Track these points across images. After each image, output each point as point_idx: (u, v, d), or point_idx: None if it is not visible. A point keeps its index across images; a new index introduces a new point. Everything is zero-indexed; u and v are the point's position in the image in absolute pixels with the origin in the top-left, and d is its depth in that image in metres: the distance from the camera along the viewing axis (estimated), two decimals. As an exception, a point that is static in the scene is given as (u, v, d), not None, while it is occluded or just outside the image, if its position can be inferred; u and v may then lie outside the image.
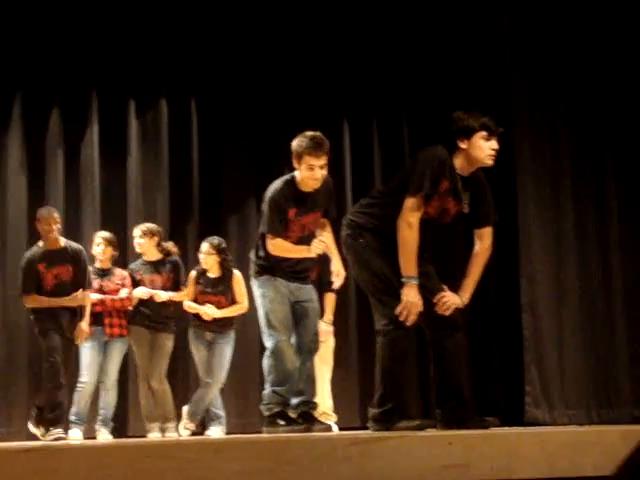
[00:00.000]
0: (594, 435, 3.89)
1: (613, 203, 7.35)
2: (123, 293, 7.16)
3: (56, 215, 6.71)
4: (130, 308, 7.18)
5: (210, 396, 7.15)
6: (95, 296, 7.00)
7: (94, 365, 7.04)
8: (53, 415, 6.47)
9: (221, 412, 7.25)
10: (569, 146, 7.43)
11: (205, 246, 7.20)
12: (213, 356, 7.15)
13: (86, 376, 7.02)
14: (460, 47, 8.31)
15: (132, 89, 8.16)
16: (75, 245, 6.83)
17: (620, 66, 7.38)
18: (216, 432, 7.11)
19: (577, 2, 7.43)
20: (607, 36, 7.39)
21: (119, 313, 7.14)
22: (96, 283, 7.09)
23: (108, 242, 7.24)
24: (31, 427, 6.78)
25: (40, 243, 6.71)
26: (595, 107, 7.44)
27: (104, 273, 7.22)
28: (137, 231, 7.31)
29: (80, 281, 6.71)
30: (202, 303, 7.19)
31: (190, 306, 7.22)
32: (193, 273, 7.31)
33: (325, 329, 6.52)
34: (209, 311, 7.13)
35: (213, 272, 7.24)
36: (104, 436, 7.00)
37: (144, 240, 7.25)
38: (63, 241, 6.76)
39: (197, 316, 7.21)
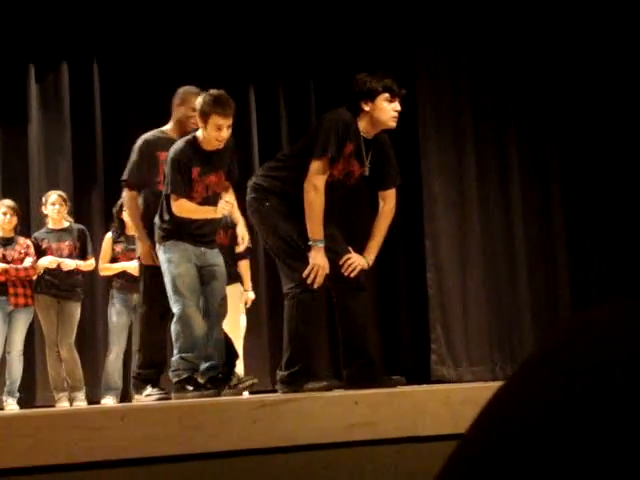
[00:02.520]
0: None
1: (514, 165, 7.52)
2: (27, 262, 7.03)
3: None
4: (34, 277, 7.07)
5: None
6: None
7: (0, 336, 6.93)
8: None
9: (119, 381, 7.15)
10: (471, 109, 7.54)
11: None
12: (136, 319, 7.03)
13: None
14: (363, 9, 8.31)
15: (31, 53, 7.97)
16: None
17: (523, 26, 7.51)
18: (110, 401, 7.01)
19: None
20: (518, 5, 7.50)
21: (23, 282, 7.02)
22: (0, 252, 6.96)
23: (14, 211, 7.10)
24: None
25: None
26: (498, 75, 7.56)
27: (7, 242, 7.08)
28: (54, 197, 7.15)
29: None
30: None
31: (109, 267, 7.05)
32: (108, 235, 7.15)
33: (250, 297, 6.58)
34: (132, 265, 6.91)
35: (131, 229, 7.07)
36: (11, 407, 6.90)
37: (61, 207, 7.12)
38: None
39: (119, 275, 7.03)
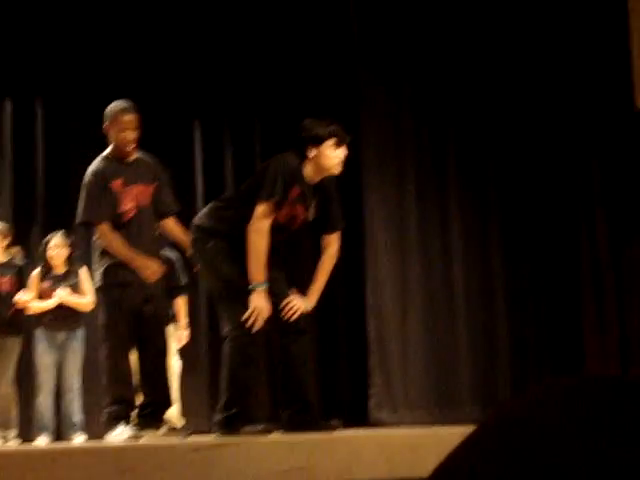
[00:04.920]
0: (434, 436, 4.00)
1: (455, 210, 7.60)
2: None
3: None
4: None
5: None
6: None
7: None
8: None
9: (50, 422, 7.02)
10: (414, 152, 7.62)
11: (57, 239, 6.97)
12: (65, 357, 6.95)
13: None
14: (310, 53, 8.38)
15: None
16: None
17: (465, 68, 7.65)
18: (43, 441, 6.89)
19: (422, 10, 7.65)
20: (450, 37, 7.65)
21: None
22: None
23: None
24: None
25: None
26: (441, 116, 7.67)
27: None
28: None
29: None
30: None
31: (38, 306, 6.96)
32: (36, 272, 7.07)
33: (184, 334, 6.57)
34: (62, 293, 6.86)
35: (60, 269, 7.02)
36: None
37: (0, 240, 7.03)
38: None
39: (46, 313, 6.95)
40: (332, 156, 4.48)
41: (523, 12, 7.77)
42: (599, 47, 7.64)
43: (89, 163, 5.20)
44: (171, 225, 5.19)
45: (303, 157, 4.49)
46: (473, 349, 7.48)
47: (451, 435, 3.95)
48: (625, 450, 0.64)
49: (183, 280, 6.90)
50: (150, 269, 4.90)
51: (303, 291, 4.63)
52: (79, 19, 8.05)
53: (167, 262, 5.75)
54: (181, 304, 6.63)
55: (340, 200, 4.72)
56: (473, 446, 0.69)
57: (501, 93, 7.82)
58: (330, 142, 4.48)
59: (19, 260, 7.17)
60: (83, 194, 4.96)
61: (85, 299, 6.96)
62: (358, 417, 7.09)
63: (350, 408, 7.70)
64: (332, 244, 4.68)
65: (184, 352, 7.12)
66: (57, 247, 6.97)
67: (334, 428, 4.47)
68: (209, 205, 4.78)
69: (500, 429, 0.68)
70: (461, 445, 0.71)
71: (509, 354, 7.64)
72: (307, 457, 3.54)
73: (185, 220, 5.26)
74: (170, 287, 6.16)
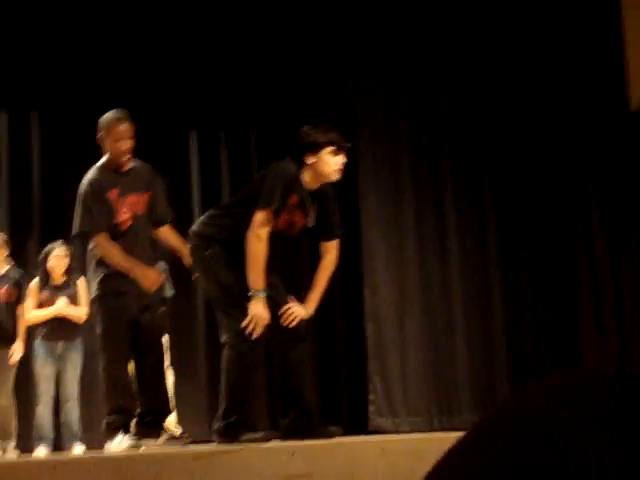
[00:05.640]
0: (434, 442, 4.00)
1: (452, 217, 7.60)
2: None
3: None
4: None
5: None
6: None
7: None
8: None
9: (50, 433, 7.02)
10: (410, 159, 7.63)
11: (59, 249, 6.98)
12: (64, 368, 6.95)
13: None
14: (305, 62, 8.39)
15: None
16: None
17: (460, 73, 7.66)
18: (42, 451, 6.88)
19: (416, 14, 7.67)
20: (444, 41, 7.66)
21: None
22: None
23: None
24: None
25: None
26: (436, 123, 7.68)
27: None
28: None
29: None
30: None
31: (38, 315, 6.96)
32: (34, 282, 7.06)
33: None
34: (61, 303, 6.88)
35: (59, 279, 7.03)
36: None
37: (1, 249, 7.03)
38: None
39: (45, 324, 6.95)
40: (330, 163, 4.49)
41: (517, 14, 7.80)
42: (593, 48, 7.66)
43: (85, 173, 5.20)
44: (167, 234, 5.19)
45: (301, 164, 4.50)
46: (471, 355, 7.48)
47: (452, 440, 3.95)
48: (629, 446, 0.64)
49: (169, 292, 6.90)
50: (149, 278, 4.90)
51: (302, 298, 4.63)
52: (74, 30, 8.05)
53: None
54: None
55: (339, 207, 4.72)
56: (471, 443, 0.69)
57: (496, 97, 7.83)
58: (329, 149, 4.48)
59: (15, 271, 7.17)
60: (79, 205, 4.95)
61: (81, 310, 6.97)
62: (357, 423, 7.09)
63: (349, 415, 7.71)
64: (331, 251, 4.68)
65: (182, 360, 7.11)
66: (58, 257, 6.98)
67: (334, 435, 4.47)
68: (207, 212, 4.78)
69: (499, 425, 0.68)
70: (460, 442, 0.71)
71: (507, 359, 7.64)
72: (308, 464, 3.53)
73: (181, 228, 5.27)
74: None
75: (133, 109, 7.35)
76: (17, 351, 6.96)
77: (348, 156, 4.61)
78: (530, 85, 7.80)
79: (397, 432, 6.85)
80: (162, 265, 6.45)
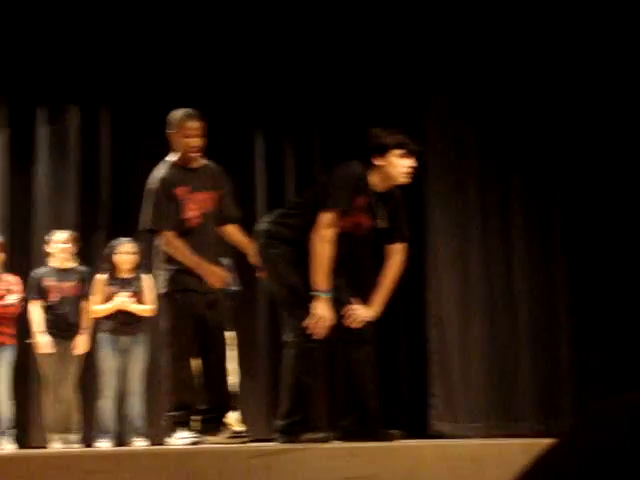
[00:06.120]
0: (495, 448, 3.96)
1: (518, 220, 7.53)
2: (10, 299, 6.98)
3: None
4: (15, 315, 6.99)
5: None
6: None
7: None
8: None
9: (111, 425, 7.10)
10: (477, 162, 7.58)
11: (128, 245, 7.07)
12: (129, 362, 7.03)
13: None
14: (373, 63, 8.38)
15: (42, 96, 8.03)
16: None
17: (531, 79, 7.59)
18: (104, 445, 6.96)
19: (492, 16, 7.61)
20: (517, 51, 7.59)
21: (6, 321, 6.96)
22: None
23: (0, 246, 7.08)
24: None
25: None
26: (501, 122, 7.62)
27: None
28: (63, 236, 7.16)
29: None
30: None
31: (100, 309, 7.05)
32: (100, 276, 7.14)
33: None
34: (120, 299, 6.96)
35: (126, 274, 7.11)
36: (7, 447, 6.83)
37: (69, 245, 7.14)
38: None
39: (111, 318, 7.04)
40: (399, 165, 4.47)
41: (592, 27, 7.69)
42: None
43: (153, 170, 5.24)
44: (233, 232, 5.22)
45: (369, 166, 4.48)
46: (535, 362, 7.40)
47: (514, 447, 3.92)
48: None
49: (235, 288, 6.93)
50: (215, 275, 4.94)
51: (366, 300, 4.61)
52: (146, 26, 8.15)
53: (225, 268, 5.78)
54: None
55: (406, 210, 4.70)
56: (565, 446, 0.69)
57: (568, 104, 7.74)
58: (398, 152, 4.46)
59: (81, 267, 7.27)
60: (147, 201, 4.99)
61: (146, 306, 7.04)
62: (417, 427, 7.06)
63: (410, 418, 7.67)
64: (397, 254, 4.66)
65: (244, 359, 7.14)
66: (127, 253, 7.06)
67: (394, 438, 4.45)
68: (275, 211, 4.78)
69: (592, 429, 0.68)
70: (552, 446, 0.71)
71: (571, 368, 7.54)
72: (368, 466, 3.53)
73: (247, 227, 5.29)
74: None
75: (201, 107, 7.47)
76: (81, 345, 7.06)
77: (417, 160, 4.58)
78: (605, 97, 7.69)
79: (457, 437, 6.80)
80: (228, 261, 6.50)
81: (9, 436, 6.95)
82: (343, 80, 8.43)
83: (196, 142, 5.00)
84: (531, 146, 7.71)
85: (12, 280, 7.07)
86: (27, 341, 7.05)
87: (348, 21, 8.30)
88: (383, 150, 4.45)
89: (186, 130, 5.00)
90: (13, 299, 6.97)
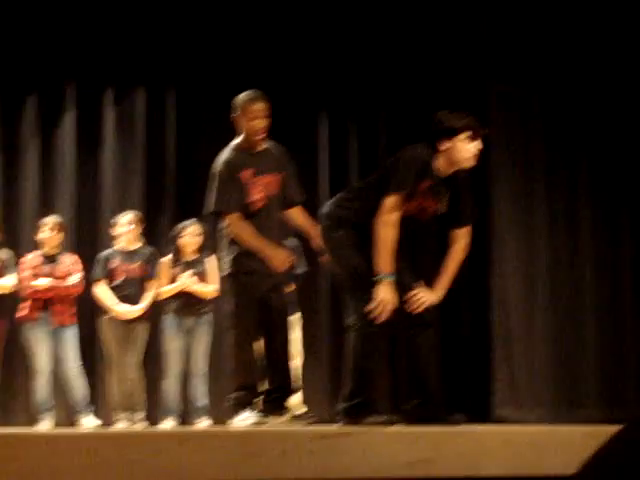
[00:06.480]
0: (559, 434, 3.92)
1: (586, 209, 7.43)
2: (73, 279, 7.07)
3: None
4: (76, 295, 7.08)
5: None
6: (43, 281, 6.94)
7: (45, 355, 6.98)
8: None
9: (175, 405, 7.18)
10: (543, 146, 7.48)
11: (193, 227, 7.13)
12: (193, 343, 7.10)
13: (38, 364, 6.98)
14: (439, 46, 8.31)
15: (109, 78, 8.12)
16: None
17: (594, 70, 7.46)
18: (169, 424, 7.05)
19: (553, 8, 7.48)
20: (581, 42, 7.46)
21: (69, 300, 7.05)
22: (47, 269, 7.02)
23: (60, 227, 7.17)
24: None
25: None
26: (569, 107, 7.51)
27: (53, 259, 7.13)
28: (130, 216, 7.25)
29: None
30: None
31: (165, 290, 7.12)
32: (165, 259, 7.23)
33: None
34: (187, 280, 7.03)
35: (190, 256, 7.18)
36: (91, 423, 6.92)
37: (137, 226, 7.23)
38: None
39: (175, 299, 7.10)
40: (465, 149, 4.42)
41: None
42: None
43: (218, 152, 5.28)
44: (297, 215, 5.23)
45: (435, 149, 4.45)
46: (600, 348, 7.31)
47: (578, 433, 3.87)
48: None
49: (300, 269, 6.94)
50: (280, 258, 4.96)
51: (430, 284, 4.59)
52: (212, 11, 8.18)
53: (292, 250, 5.79)
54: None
55: (472, 194, 4.66)
56: (619, 443, 0.68)
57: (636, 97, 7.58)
58: (464, 135, 4.41)
59: (147, 248, 7.34)
60: (213, 184, 5.03)
61: (210, 287, 7.10)
62: (481, 413, 7.02)
63: (473, 403, 7.64)
64: (462, 238, 4.63)
65: (306, 341, 7.17)
66: (192, 235, 7.13)
67: (458, 422, 4.43)
68: (339, 195, 4.77)
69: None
70: (610, 441, 0.70)
71: (637, 356, 7.43)
72: (432, 450, 3.51)
73: (309, 210, 5.30)
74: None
75: (265, 89, 7.49)
76: (133, 312, 7.08)
77: (483, 143, 4.54)
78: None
79: (521, 422, 6.75)
80: (294, 241, 6.50)
81: (89, 411, 7.03)
82: (408, 63, 8.38)
83: (261, 123, 5.02)
84: (598, 127, 7.57)
85: (72, 260, 7.17)
86: (105, 317, 7.13)
87: (415, 3, 8.24)
88: (450, 133, 4.41)
89: (251, 112, 5.02)
90: (75, 279, 7.06)
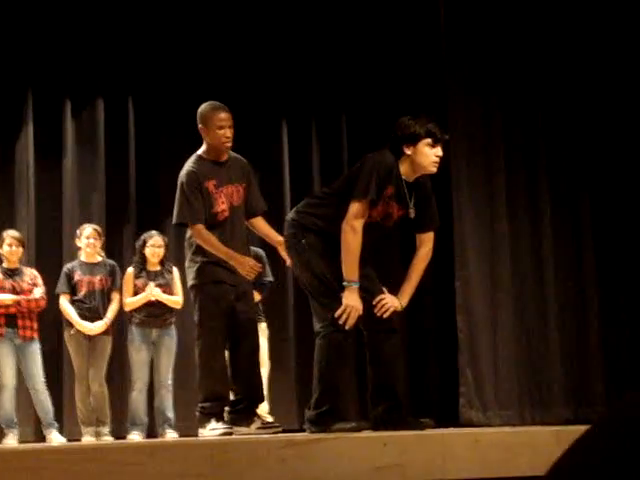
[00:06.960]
0: (526, 436, 3.96)
1: (546, 210, 7.48)
2: (37, 293, 7.02)
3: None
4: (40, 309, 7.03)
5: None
6: (8, 297, 6.88)
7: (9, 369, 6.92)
8: None
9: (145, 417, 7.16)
10: (504, 151, 7.53)
11: (157, 238, 7.12)
12: (159, 354, 7.08)
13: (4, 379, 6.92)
14: (397, 50, 8.36)
15: (68, 89, 8.07)
16: None
17: (554, 67, 7.52)
18: (136, 437, 7.02)
19: (509, 8, 7.55)
20: (542, 38, 7.52)
21: (32, 315, 6.98)
22: (8, 283, 6.96)
23: (19, 242, 7.11)
24: None
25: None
26: (528, 111, 7.56)
27: (13, 273, 7.06)
28: (89, 231, 7.21)
29: None
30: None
31: (132, 301, 7.09)
32: (130, 270, 7.21)
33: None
34: (154, 291, 7.02)
35: (154, 267, 7.16)
36: (56, 438, 6.86)
37: (95, 241, 7.19)
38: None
39: (140, 310, 7.08)
40: (429, 154, 4.46)
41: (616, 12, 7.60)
42: None
43: (179, 163, 5.29)
44: (260, 223, 5.26)
45: (399, 155, 4.47)
46: (565, 349, 7.36)
47: (544, 434, 3.91)
48: None
49: (266, 278, 6.94)
50: (247, 266, 4.97)
51: (395, 289, 4.61)
52: (167, 21, 8.17)
53: (258, 259, 5.80)
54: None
55: (435, 199, 4.69)
56: (589, 442, 0.69)
57: (594, 91, 7.65)
58: (426, 140, 4.45)
59: (108, 261, 7.32)
60: (179, 195, 5.04)
61: (176, 298, 7.10)
62: (448, 416, 7.05)
63: (440, 407, 7.67)
64: (426, 243, 4.65)
65: (273, 351, 7.17)
66: (156, 245, 7.12)
67: (425, 426, 4.45)
68: (304, 201, 4.78)
69: (617, 426, 0.67)
70: (578, 441, 0.70)
71: (602, 354, 7.49)
72: (399, 455, 3.53)
73: (273, 218, 5.31)
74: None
75: (224, 100, 7.49)
76: (97, 329, 7.05)
77: (444, 149, 4.57)
78: (631, 79, 7.61)
79: (488, 425, 6.79)
80: (260, 252, 6.52)
81: (55, 427, 6.98)
82: (369, 67, 8.42)
83: (226, 133, 5.06)
84: (558, 128, 7.62)
85: (31, 275, 7.11)
86: (71, 332, 7.08)
87: (369, 6, 8.28)
88: (414, 139, 4.44)
89: (217, 121, 5.05)
90: (38, 293, 7.01)
